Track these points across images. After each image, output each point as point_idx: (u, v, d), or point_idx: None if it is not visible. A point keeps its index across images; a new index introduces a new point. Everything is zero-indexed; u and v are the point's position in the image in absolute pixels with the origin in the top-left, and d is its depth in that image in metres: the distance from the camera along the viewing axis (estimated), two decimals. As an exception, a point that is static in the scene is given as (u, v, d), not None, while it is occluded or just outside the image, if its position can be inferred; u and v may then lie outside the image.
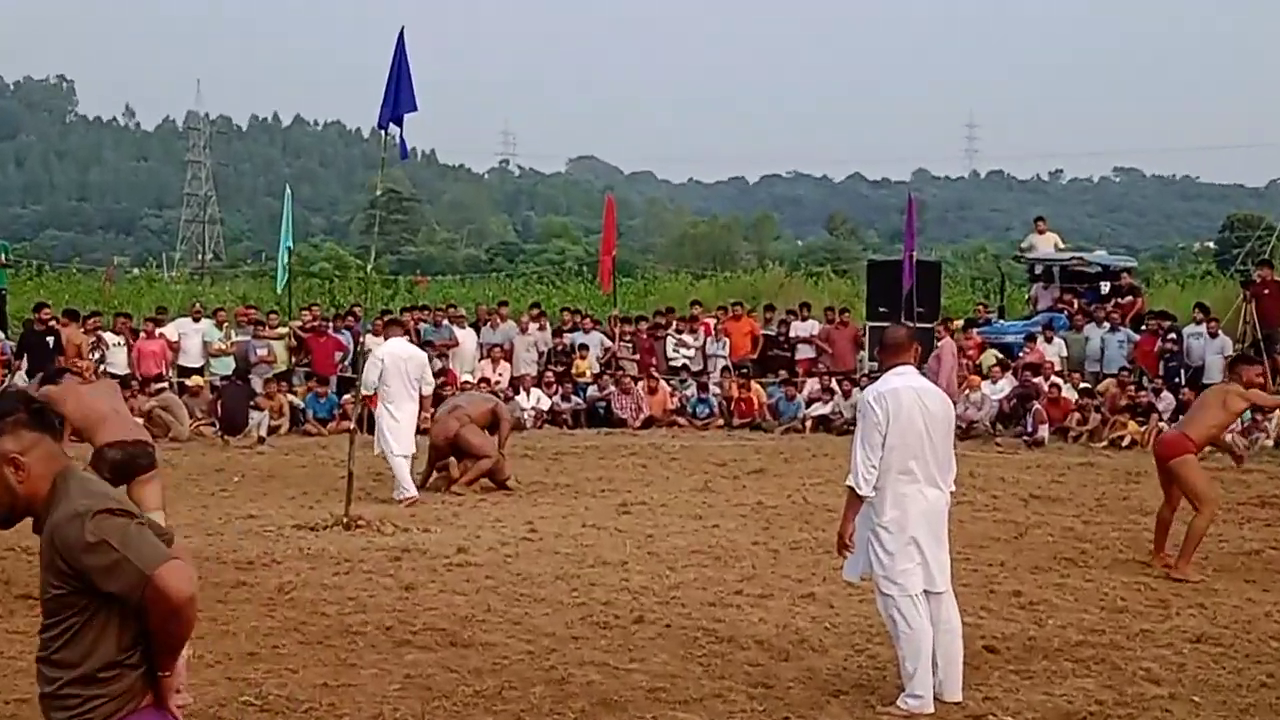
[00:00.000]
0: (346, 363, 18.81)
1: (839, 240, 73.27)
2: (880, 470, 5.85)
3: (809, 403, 18.84)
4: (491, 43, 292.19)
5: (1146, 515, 10.53)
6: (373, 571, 8.68)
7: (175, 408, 16.90)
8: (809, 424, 18.40)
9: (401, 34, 10.50)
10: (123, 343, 18.47)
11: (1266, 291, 18.75)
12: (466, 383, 18.32)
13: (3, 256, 21.84)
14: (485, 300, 25.34)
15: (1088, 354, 19.36)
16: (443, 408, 13.16)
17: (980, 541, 9.97)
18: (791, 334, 20.78)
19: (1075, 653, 6.88)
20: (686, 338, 20.53)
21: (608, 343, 20.55)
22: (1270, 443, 16.15)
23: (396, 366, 11.91)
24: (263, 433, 16.50)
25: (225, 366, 18.75)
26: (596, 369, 19.93)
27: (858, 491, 5.88)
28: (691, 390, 19.41)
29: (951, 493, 6.14)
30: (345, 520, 10.29)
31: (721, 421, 18.89)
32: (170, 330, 19.12)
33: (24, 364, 16.96)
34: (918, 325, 17.40)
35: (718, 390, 19.38)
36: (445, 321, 20.19)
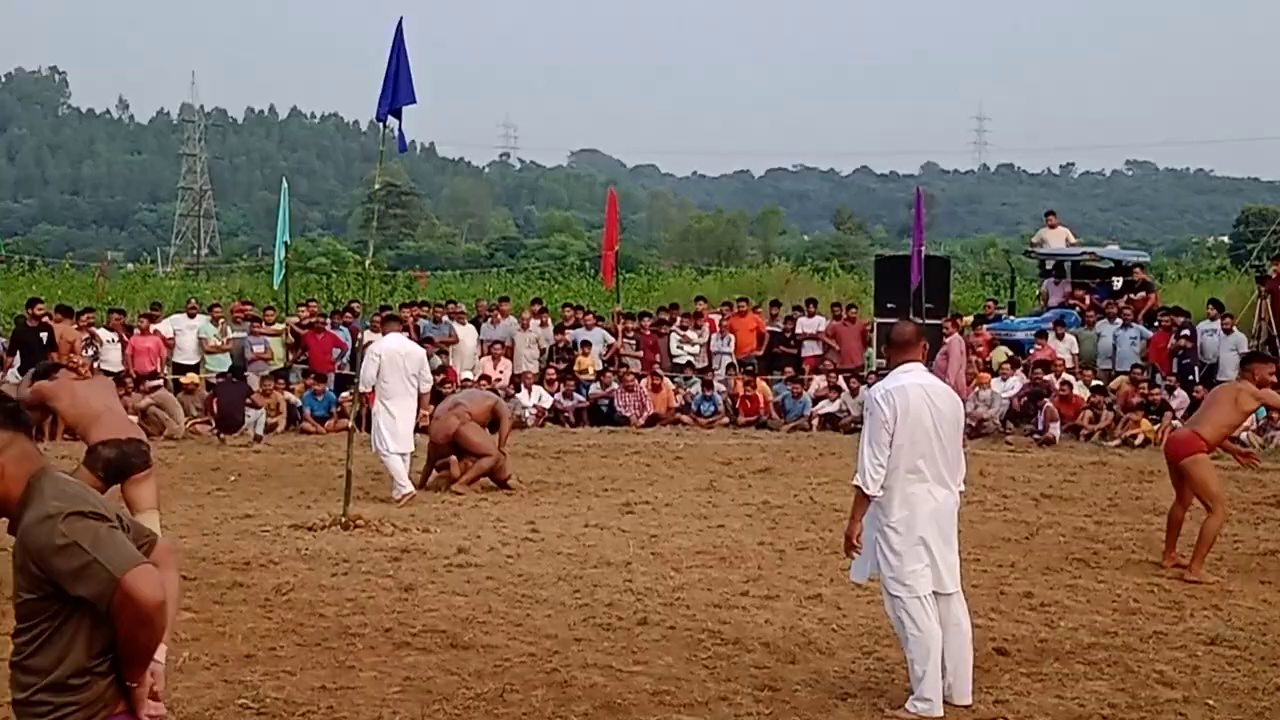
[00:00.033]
0: (344, 360, 18.73)
1: (846, 235, 73.29)
2: (888, 469, 5.80)
3: (816, 400, 18.74)
4: (492, 34, 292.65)
5: (1160, 515, 10.42)
6: (371, 572, 8.59)
7: (170, 405, 16.80)
8: (816, 422, 18.30)
9: (400, 25, 10.41)
10: (116, 339, 18.32)
11: (1282, 287, 18.66)
12: (467, 380, 18.22)
13: (-5, 252, 21.75)
14: (486, 296, 25.27)
15: (1100, 351, 19.25)
16: (443, 405, 13.06)
17: (990, 542, 9.89)
18: (798, 330, 20.68)
19: (1087, 655, 6.81)
20: (691, 334, 20.43)
21: (610, 339, 20.45)
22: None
23: (394, 362, 11.82)
24: (259, 431, 16.39)
25: (221, 363, 18.61)
26: (599, 366, 19.83)
27: (865, 491, 5.82)
28: (696, 388, 19.31)
29: (961, 492, 6.08)
30: (343, 520, 10.20)
31: (726, 419, 18.79)
32: (165, 327, 19.01)
33: (16, 361, 16.75)
34: (927, 321, 17.24)
35: (723, 388, 19.27)
36: (445, 318, 20.11)
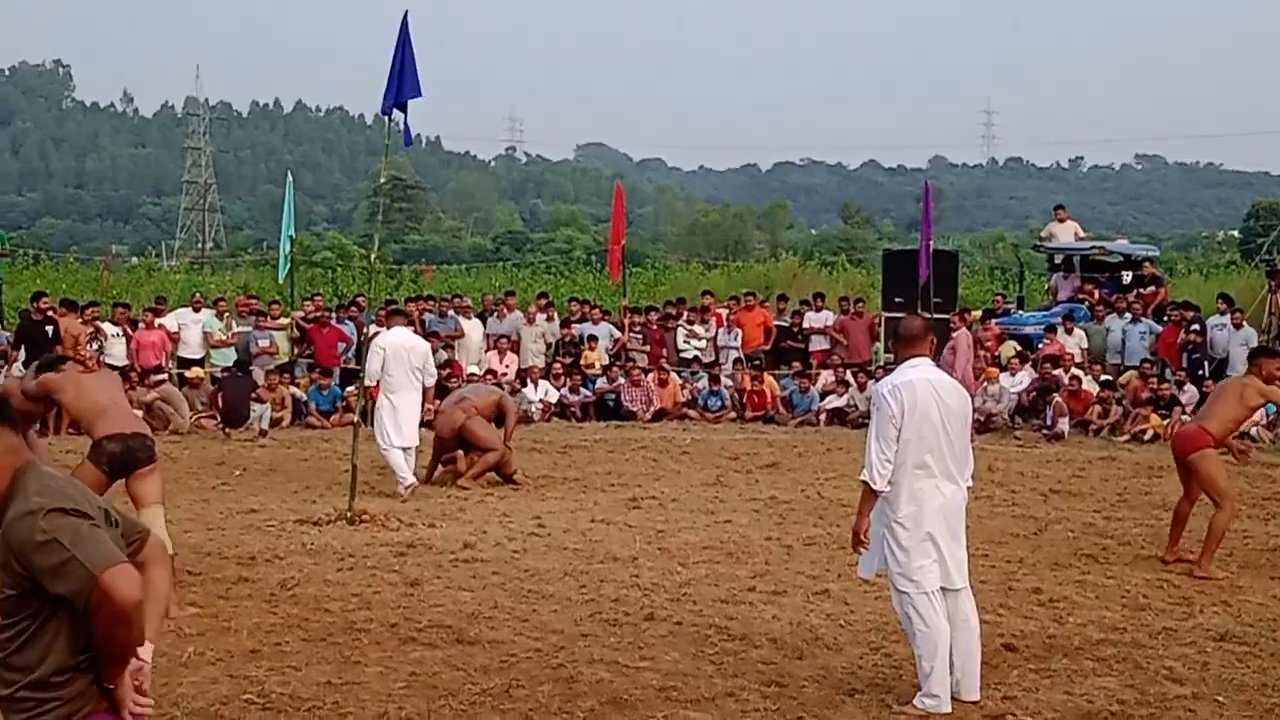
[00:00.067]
0: (350, 354, 18.69)
1: (854, 229, 73.18)
2: (895, 464, 5.77)
3: (823, 395, 18.71)
4: (498, 27, 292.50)
5: (1169, 510, 10.32)
6: (377, 567, 8.57)
7: (175, 400, 16.79)
8: (823, 417, 18.26)
9: (406, 18, 10.37)
10: (121, 334, 18.27)
11: (1292, 281, 18.59)
12: (472, 375, 18.18)
13: (-1, 246, 21.73)
14: (492, 290, 25.24)
15: (1109, 345, 19.18)
16: (449, 400, 13.04)
17: (999, 537, 9.85)
18: (805, 325, 20.64)
19: (1096, 651, 6.78)
20: (698, 329, 20.38)
21: (617, 334, 20.41)
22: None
23: (398, 356, 11.80)
24: (264, 425, 16.37)
25: (226, 358, 18.58)
26: (605, 361, 19.80)
27: (872, 486, 5.79)
28: (703, 382, 19.27)
29: (969, 487, 6.04)
30: (349, 515, 10.18)
31: (734, 414, 18.75)
32: (170, 321, 18.98)
33: (21, 355, 16.68)
34: (935, 316, 17.22)
35: (730, 382, 19.24)
36: (451, 312, 20.08)
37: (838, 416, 18.20)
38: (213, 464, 13.77)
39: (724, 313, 20.76)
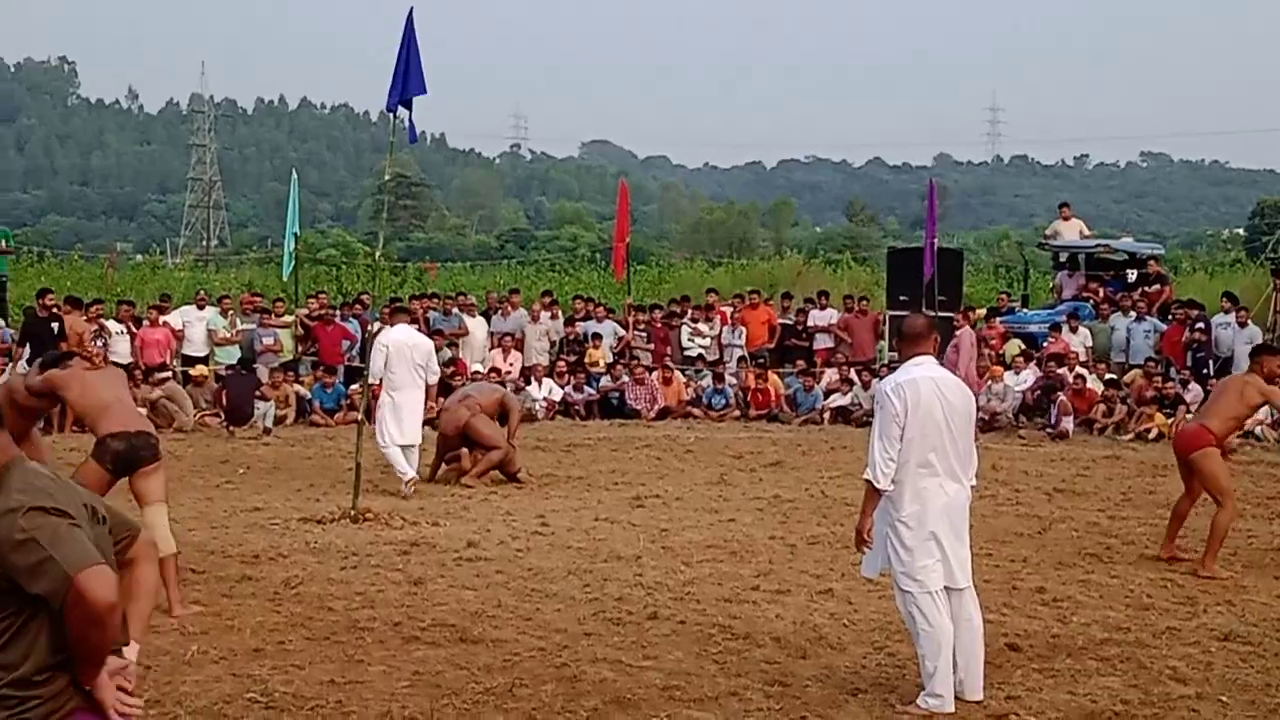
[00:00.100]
0: (354, 352, 18.70)
1: (858, 227, 73.13)
2: (899, 463, 5.75)
3: (827, 393, 18.68)
4: (503, 24, 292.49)
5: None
6: (381, 566, 8.57)
7: (179, 398, 16.79)
8: (827, 415, 18.24)
9: (411, 15, 10.36)
10: (125, 331, 18.28)
11: (1297, 279, 18.55)
12: (477, 373, 18.18)
13: (3, 243, 21.70)
14: (496, 288, 25.23)
15: (1113, 344, 19.14)
16: (453, 397, 13.04)
17: (1003, 536, 9.83)
18: (810, 323, 20.60)
19: (1100, 651, 6.76)
20: (702, 327, 20.36)
21: (621, 332, 20.40)
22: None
23: (401, 353, 11.79)
24: (268, 423, 16.37)
25: (230, 355, 18.58)
26: (610, 359, 19.79)
27: (876, 485, 5.78)
28: (707, 381, 19.25)
29: (973, 486, 6.03)
30: (353, 513, 10.17)
31: (738, 413, 18.73)
32: (174, 318, 18.98)
33: (26, 352, 16.65)
34: (939, 314, 17.19)
35: (734, 381, 19.22)
36: (455, 310, 20.07)
37: (842, 415, 18.18)
38: (217, 462, 13.77)
39: (728, 311, 20.74)
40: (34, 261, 30.49)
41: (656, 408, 18.62)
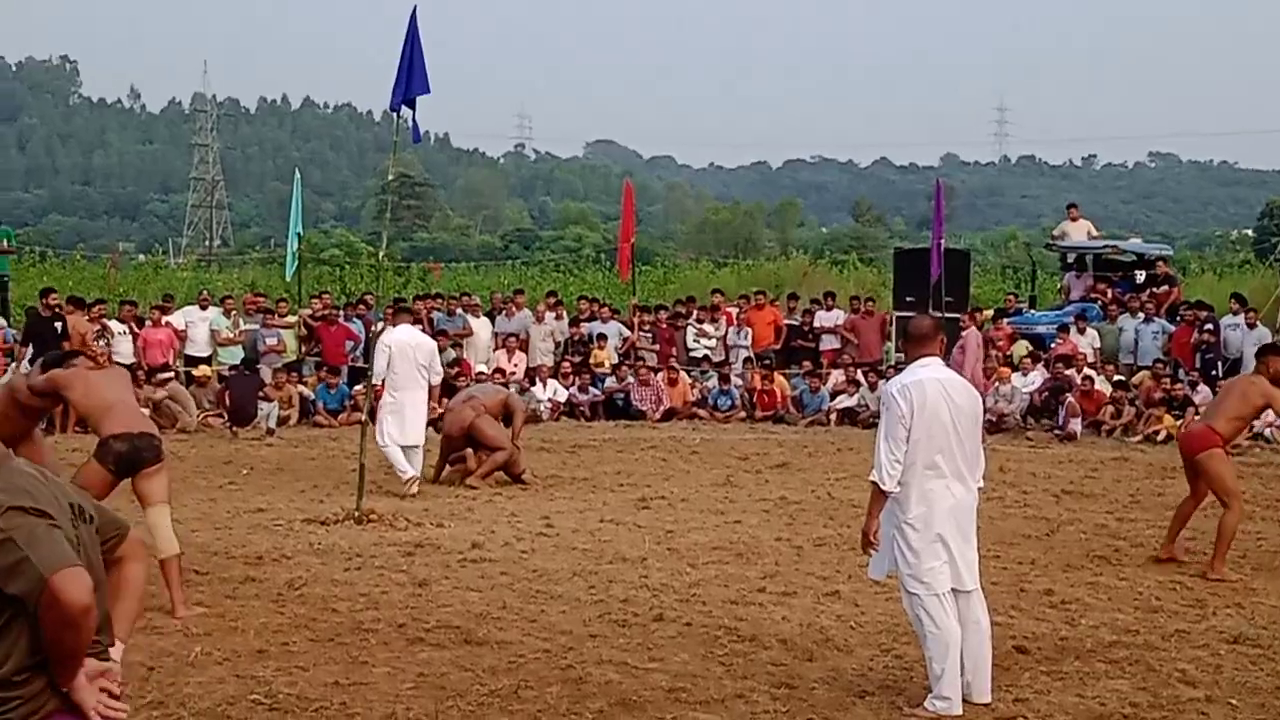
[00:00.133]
0: (358, 352, 18.67)
1: (865, 227, 73.09)
2: (905, 465, 5.73)
3: (834, 395, 18.65)
4: (504, 24, 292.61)
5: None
6: (385, 567, 8.55)
7: (182, 398, 16.77)
8: (834, 417, 18.21)
9: (414, 14, 10.34)
10: (128, 331, 18.27)
11: (1307, 280, 18.51)
12: (481, 373, 18.15)
13: (5, 242, 21.70)
14: (500, 288, 25.20)
15: (1122, 345, 19.11)
16: (457, 398, 13.03)
17: (1010, 539, 9.80)
18: (816, 324, 20.57)
19: (1108, 653, 6.73)
20: (707, 327, 20.33)
21: (626, 332, 20.37)
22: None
23: (404, 354, 11.78)
24: (272, 424, 16.36)
25: (233, 356, 18.57)
26: (615, 359, 19.77)
27: (882, 487, 5.75)
28: (713, 382, 19.22)
29: (980, 488, 5.99)
30: (356, 514, 10.16)
31: (743, 414, 18.70)
32: (177, 318, 18.99)
33: (29, 351, 16.63)
34: (946, 315, 17.14)
35: (740, 382, 19.19)
36: (459, 310, 20.06)
37: (848, 416, 18.15)
38: (220, 463, 13.75)
39: (734, 311, 20.71)
40: (36, 261, 30.53)
41: (662, 409, 18.59)
